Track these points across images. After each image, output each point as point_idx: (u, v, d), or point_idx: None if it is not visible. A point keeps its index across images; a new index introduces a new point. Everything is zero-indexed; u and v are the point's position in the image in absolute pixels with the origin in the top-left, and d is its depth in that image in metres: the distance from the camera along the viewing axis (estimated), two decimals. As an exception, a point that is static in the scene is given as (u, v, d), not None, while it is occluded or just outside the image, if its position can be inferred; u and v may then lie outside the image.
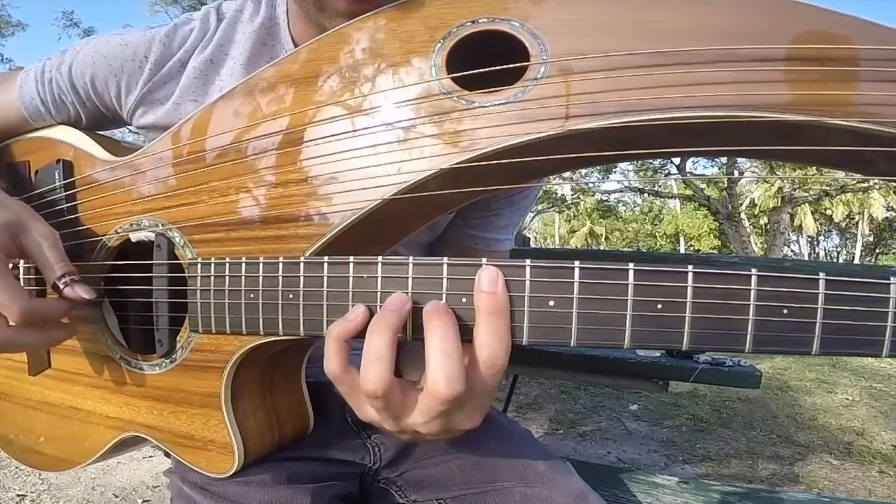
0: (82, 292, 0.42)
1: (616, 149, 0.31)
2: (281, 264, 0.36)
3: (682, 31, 0.29)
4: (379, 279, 0.33)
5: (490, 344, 0.29)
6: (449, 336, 0.29)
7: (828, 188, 13.65)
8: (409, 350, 0.31)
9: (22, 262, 0.52)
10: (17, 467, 1.75)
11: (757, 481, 1.92)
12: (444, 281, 0.31)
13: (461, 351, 0.30)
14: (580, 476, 0.52)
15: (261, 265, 0.37)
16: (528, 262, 0.29)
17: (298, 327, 0.36)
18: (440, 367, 0.29)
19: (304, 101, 0.39)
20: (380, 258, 0.33)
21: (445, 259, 0.31)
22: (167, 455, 0.60)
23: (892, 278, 0.25)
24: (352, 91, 0.37)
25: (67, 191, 0.50)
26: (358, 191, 0.35)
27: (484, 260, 0.30)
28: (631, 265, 0.27)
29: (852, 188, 13.74)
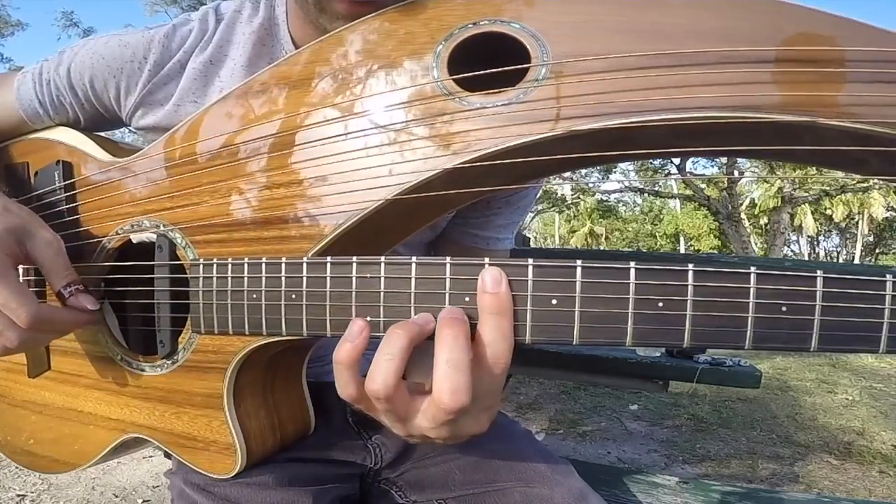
0: (87, 303, 0.43)
1: (616, 149, 0.31)
2: (284, 265, 0.36)
3: (680, 33, 0.30)
4: (382, 279, 0.33)
5: (494, 343, 0.30)
6: (459, 346, 0.29)
7: (828, 188, 13.66)
8: (417, 352, 0.31)
9: (21, 266, 0.52)
10: (17, 467, 1.75)
11: (757, 481, 1.92)
12: (448, 280, 0.31)
13: (470, 363, 0.29)
14: (580, 476, 0.52)
15: (263, 266, 0.37)
16: (530, 261, 0.30)
17: (301, 327, 0.36)
18: (446, 379, 0.29)
19: (305, 102, 0.39)
20: (383, 258, 0.33)
21: (448, 259, 0.31)
22: (167, 456, 0.60)
23: (888, 275, 0.25)
24: (353, 93, 0.37)
25: (67, 192, 0.50)
26: (360, 191, 0.35)
27: (487, 260, 0.30)
28: (632, 264, 0.28)
29: (852, 188, 13.75)
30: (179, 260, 0.43)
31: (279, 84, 0.40)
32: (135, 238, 0.47)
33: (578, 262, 0.29)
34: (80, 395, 0.51)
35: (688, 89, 0.29)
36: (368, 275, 0.33)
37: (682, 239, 24.45)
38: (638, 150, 0.31)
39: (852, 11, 0.28)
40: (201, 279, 0.40)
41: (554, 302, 0.29)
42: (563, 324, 0.29)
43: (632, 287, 0.28)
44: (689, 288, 0.27)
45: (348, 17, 0.40)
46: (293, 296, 0.36)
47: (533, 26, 0.33)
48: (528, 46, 0.33)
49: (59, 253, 0.43)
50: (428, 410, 0.31)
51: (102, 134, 0.56)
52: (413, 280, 0.32)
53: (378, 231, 0.38)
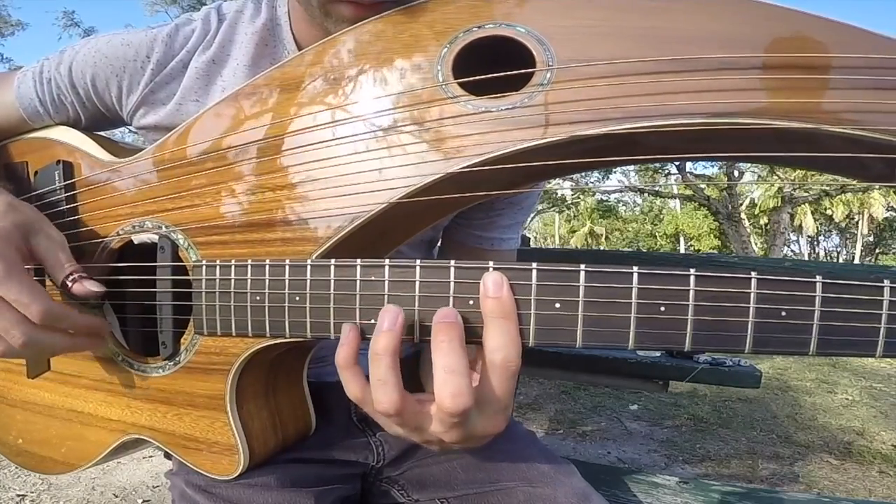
0: (91, 286, 0.42)
1: (619, 154, 0.31)
2: (288, 267, 0.36)
3: (683, 39, 0.30)
4: (386, 282, 0.33)
5: (503, 347, 0.30)
6: (454, 352, 0.29)
7: (828, 188, 13.66)
8: (426, 359, 0.31)
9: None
10: (17, 467, 1.75)
11: (757, 481, 1.92)
12: (451, 284, 0.31)
13: (467, 366, 0.30)
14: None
15: (267, 268, 0.37)
16: (534, 265, 0.30)
17: (305, 329, 0.36)
18: (445, 384, 0.29)
19: (309, 104, 0.39)
20: (387, 261, 0.33)
21: (452, 262, 0.31)
22: (167, 456, 0.60)
23: (885, 281, 0.26)
24: (357, 95, 0.37)
25: (68, 192, 0.50)
26: (364, 194, 0.35)
27: (490, 263, 0.30)
28: (635, 269, 0.28)
29: (852, 188, 13.75)
30: (182, 261, 0.43)
31: (283, 85, 0.40)
32: (137, 239, 0.47)
33: (582, 267, 0.29)
34: (81, 396, 0.51)
35: (692, 95, 0.29)
36: (373, 277, 0.33)
37: (682, 239, 24.45)
38: (640, 156, 0.31)
39: (853, 16, 0.28)
40: (204, 280, 0.40)
41: (557, 305, 0.30)
42: (566, 327, 0.29)
43: (634, 291, 0.28)
44: (691, 293, 0.27)
45: (353, 21, 0.40)
46: (297, 298, 0.36)
47: (538, 30, 0.33)
48: (533, 50, 0.33)
49: (62, 249, 0.44)
50: (437, 415, 0.31)
51: (102, 134, 0.56)
52: (417, 283, 0.32)
53: (382, 233, 0.38)
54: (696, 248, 22.81)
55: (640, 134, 0.29)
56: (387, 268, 0.33)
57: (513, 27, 0.33)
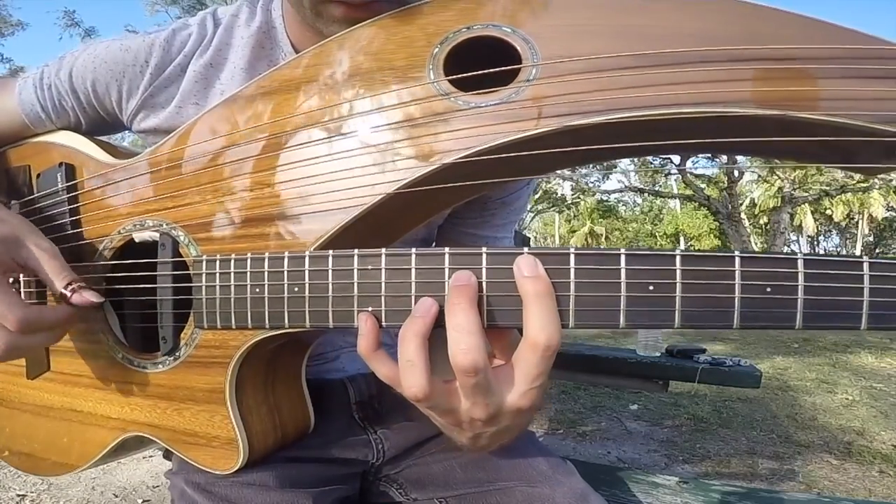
0: (91, 297, 0.43)
1: (602, 143, 0.32)
2: (286, 259, 0.37)
3: (662, 35, 0.32)
4: (383, 271, 0.34)
5: (546, 327, 0.30)
6: (464, 312, 0.30)
7: (828, 188, 13.66)
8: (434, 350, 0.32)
9: (22, 276, 0.52)
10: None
11: (757, 481, 1.92)
12: (447, 270, 0.32)
13: (480, 327, 0.30)
14: (580, 476, 0.53)
15: (266, 261, 0.38)
16: (525, 249, 0.31)
17: (304, 320, 0.37)
18: (457, 342, 0.30)
19: (307, 103, 0.40)
20: (383, 250, 0.34)
21: (447, 249, 0.32)
22: (167, 456, 0.61)
23: (864, 257, 0.27)
24: (353, 93, 0.38)
25: (70, 194, 0.51)
26: (361, 187, 0.36)
27: (484, 248, 0.31)
28: (622, 250, 0.29)
29: (852, 188, 13.74)
30: (182, 257, 0.44)
31: (281, 86, 0.41)
32: (138, 236, 0.47)
33: (571, 250, 0.30)
34: (80, 396, 0.51)
35: (671, 87, 0.30)
36: (370, 266, 0.34)
37: (682, 239, 24.45)
38: (627, 144, 0.32)
39: (840, 16, 0.30)
40: (204, 275, 0.41)
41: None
42: (559, 308, 0.30)
43: (623, 272, 0.29)
44: (678, 272, 0.28)
45: (344, 21, 0.41)
46: (296, 289, 0.37)
47: (524, 30, 0.34)
48: (519, 49, 0.34)
49: (53, 257, 0.44)
50: (458, 382, 0.31)
51: (102, 138, 0.57)
52: (413, 270, 0.33)
53: (377, 227, 0.39)
54: (696, 247, 22.80)
55: (624, 124, 0.31)
56: (383, 257, 0.34)
57: (499, 27, 0.35)
